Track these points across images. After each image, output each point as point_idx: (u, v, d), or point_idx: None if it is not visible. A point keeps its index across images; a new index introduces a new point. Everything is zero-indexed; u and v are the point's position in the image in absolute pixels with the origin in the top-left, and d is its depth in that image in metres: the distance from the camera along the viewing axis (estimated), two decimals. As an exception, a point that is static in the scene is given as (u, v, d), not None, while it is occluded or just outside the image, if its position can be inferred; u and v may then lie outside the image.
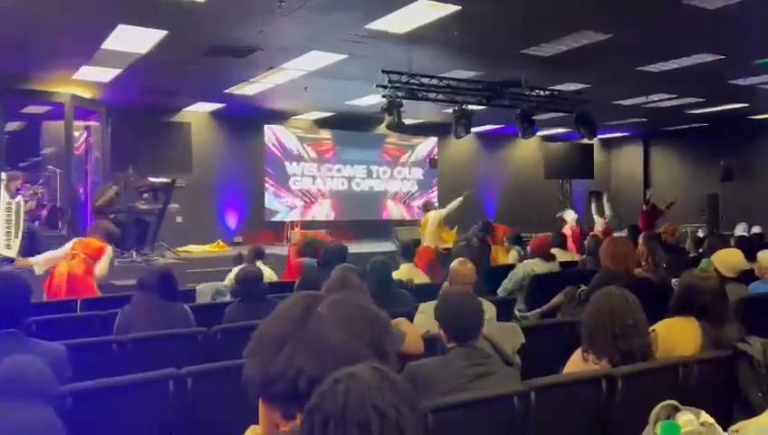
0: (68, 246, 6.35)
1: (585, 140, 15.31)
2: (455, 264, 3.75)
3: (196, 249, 11.95)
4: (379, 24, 7.35)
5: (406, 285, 5.25)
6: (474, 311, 2.48)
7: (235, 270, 6.57)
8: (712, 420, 2.08)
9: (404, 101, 9.48)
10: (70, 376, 2.64)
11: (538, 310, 5.68)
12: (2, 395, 1.26)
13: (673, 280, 4.16)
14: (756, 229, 9.93)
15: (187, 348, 3.63)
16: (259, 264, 6.36)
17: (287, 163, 14.61)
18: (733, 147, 15.75)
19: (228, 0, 6.44)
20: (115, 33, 7.59)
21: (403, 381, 1.13)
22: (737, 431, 2.16)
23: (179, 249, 11.34)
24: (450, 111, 11.94)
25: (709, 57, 8.99)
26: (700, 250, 7.48)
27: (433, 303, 3.86)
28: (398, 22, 7.27)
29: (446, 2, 6.70)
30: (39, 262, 6.41)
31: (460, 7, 6.80)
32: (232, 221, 14.08)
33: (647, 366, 2.62)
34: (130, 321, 3.78)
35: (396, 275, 5.26)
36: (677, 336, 2.97)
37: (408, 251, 6.09)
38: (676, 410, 2.17)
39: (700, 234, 9.49)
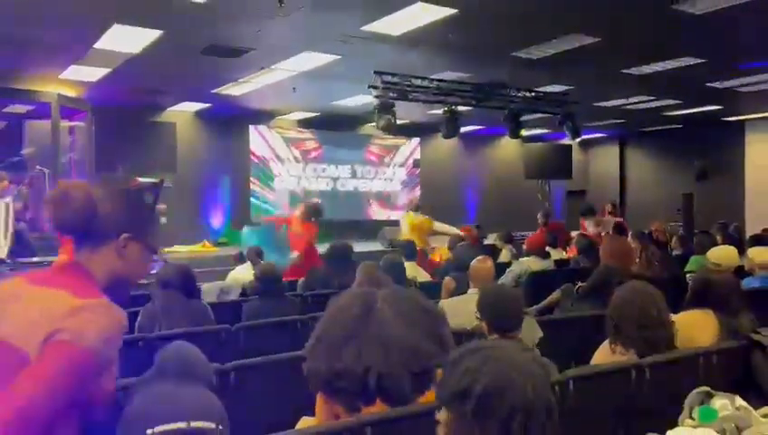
0: None
1: (564, 141, 15.59)
2: (474, 262, 3.86)
3: (182, 250, 11.90)
4: (374, 26, 7.45)
5: (410, 282, 5.36)
6: (516, 304, 2.60)
7: (238, 269, 6.66)
8: (746, 405, 2.22)
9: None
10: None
11: (535, 307, 5.83)
12: (173, 376, 1.32)
13: (687, 276, 4.33)
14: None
15: (212, 344, 3.67)
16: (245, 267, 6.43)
17: (272, 163, 14.61)
18: (706, 147, 16.18)
19: (228, 0, 6.48)
20: (109, 33, 7.56)
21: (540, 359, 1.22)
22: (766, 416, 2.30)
23: (165, 250, 11.27)
24: (434, 111, 12.13)
25: (692, 60, 9.27)
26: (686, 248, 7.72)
27: (454, 299, 3.99)
28: (393, 24, 7.38)
29: (443, 5, 6.83)
30: None
31: (456, 11, 6.93)
32: (217, 221, 14.03)
33: (672, 356, 2.77)
34: (153, 319, 3.81)
35: (398, 273, 5.35)
36: (695, 328, 3.13)
37: (411, 250, 6.19)
38: (710, 395, 2.31)
39: (681, 232, 9.75)
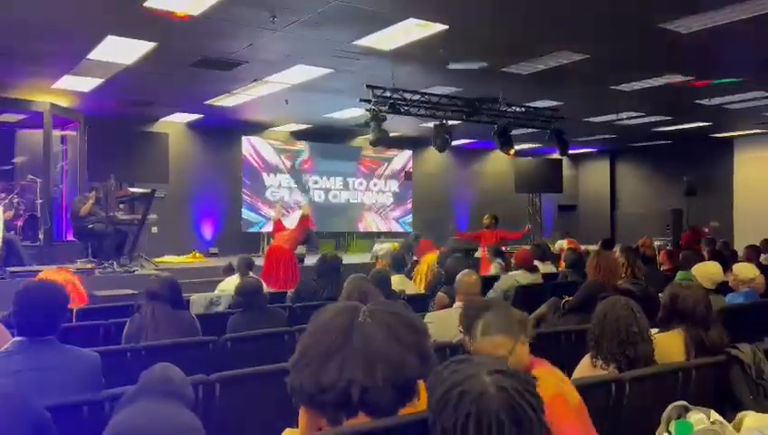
0: None
1: (554, 156, 15.72)
2: (460, 275, 3.90)
3: (172, 260, 11.89)
4: (367, 41, 7.52)
5: (398, 295, 5.40)
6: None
7: (227, 280, 6.68)
8: (722, 419, 2.27)
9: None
10: (103, 382, 2.70)
11: (523, 320, 5.85)
12: (156, 395, 1.36)
13: (660, 294, 4.40)
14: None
15: (198, 356, 3.70)
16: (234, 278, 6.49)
17: (264, 174, 14.64)
18: (696, 163, 16.35)
19: (222, 14, 6.53)
20: (103, 44, 7.61)
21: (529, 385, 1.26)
22: (743, 419, 2.35)
23: (155, 260, 11.27)
24: (427, 125, 12.21)
25: (678, 78, 9.40)
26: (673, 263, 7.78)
27: (439, 312, 4.03)
28: (386, 39, 7.45)
29: (434, 21, 6.92)
30: None
31: (447, 27, 7.02)
32: (208, 232, 14.04)
33: (652, 371, 2.81)
34: (140, 329, 3.83)
35: (387, 286, 5.39)
36: (668, 348, 3.18)
37: (399, 262, 6.23)
38: (687, 410, 2.35)
39: (669, 247, 9.83)
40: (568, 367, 3.34)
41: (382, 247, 10.55)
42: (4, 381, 2.01)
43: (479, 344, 2.29)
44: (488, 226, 9.83)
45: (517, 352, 2.24)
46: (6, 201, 9.54)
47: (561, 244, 10.98)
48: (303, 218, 9.06)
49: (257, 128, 14.39)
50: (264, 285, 6.28)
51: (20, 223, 10.17)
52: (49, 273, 5.89)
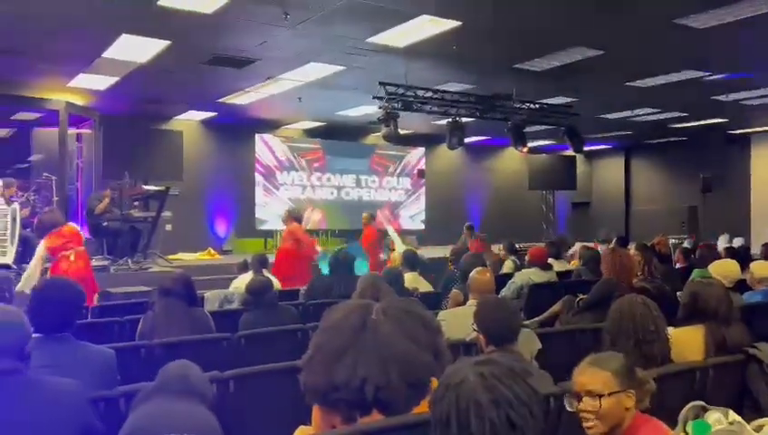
0: (40, 248, 6.55)
1: (568, 152, 15.60)
2: (473, 273, 3.88)
3: (186, 257, 11.95)
4: (380, 38, 7.51)
5: (411, 293, 5.38)
6: (512, 316, 2.62)
7: (241, 277, 6.68)
8: (740, 419, 2.23)
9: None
10: (118, 379, 2.72)
11: (537, 318, 5.83)
12: (173, 392, 1.37)
13: (678, 293, 4.35)
14: (738, 240, 10.24)
15: (213, 353, 3.71)
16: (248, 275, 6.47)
17: (277, 172, 14.68)
18: (711, 160, 16.17)
19: (235, 12, 6.54)
20: (118, 43, 7.65)
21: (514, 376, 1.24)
22: (762, 426, 2.31)
23: (170, 257, 11.33)
24: (439, 122, 12.17)
25: (694, 74, 9.29)
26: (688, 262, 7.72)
27: (453, 310, 4.02)
28: (399, 36, 7.44)
29: (448, 18, 6.89)
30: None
31: (461, 23, 6.99)
32: (221, 229, 14.10)
33: (669, 370, 2.78)
34: (153, 327, 3.84)
35: (400, 283, 5.37)
36: (685, 344, 3.14)
37: (412, 260, 6.22)
38: (704, 410, 2.32)
39: (687, 245, 9.74)
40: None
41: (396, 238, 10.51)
42: (70, 381, 2.05)
43: (578, 371, 2.11)
44: (366, 223, 10.62)
45: (620, 400, 2.03)
46: (23, 199, 9.61)
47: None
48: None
49: (271, 125, 14.43)
50: (277, 283, 6.34)
51: (36, 220, 10.25)
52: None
